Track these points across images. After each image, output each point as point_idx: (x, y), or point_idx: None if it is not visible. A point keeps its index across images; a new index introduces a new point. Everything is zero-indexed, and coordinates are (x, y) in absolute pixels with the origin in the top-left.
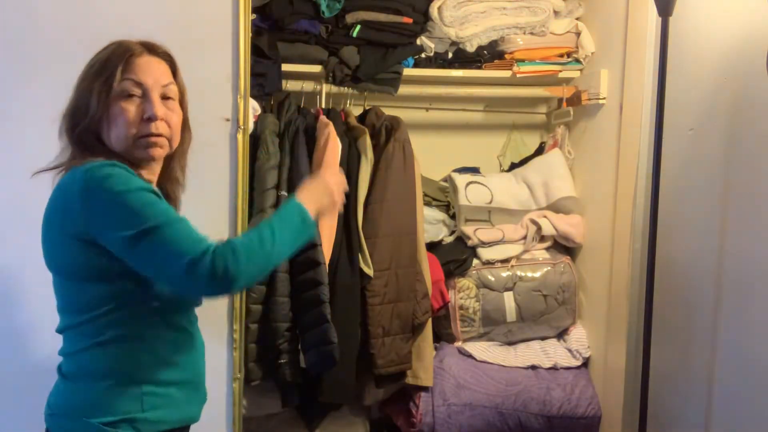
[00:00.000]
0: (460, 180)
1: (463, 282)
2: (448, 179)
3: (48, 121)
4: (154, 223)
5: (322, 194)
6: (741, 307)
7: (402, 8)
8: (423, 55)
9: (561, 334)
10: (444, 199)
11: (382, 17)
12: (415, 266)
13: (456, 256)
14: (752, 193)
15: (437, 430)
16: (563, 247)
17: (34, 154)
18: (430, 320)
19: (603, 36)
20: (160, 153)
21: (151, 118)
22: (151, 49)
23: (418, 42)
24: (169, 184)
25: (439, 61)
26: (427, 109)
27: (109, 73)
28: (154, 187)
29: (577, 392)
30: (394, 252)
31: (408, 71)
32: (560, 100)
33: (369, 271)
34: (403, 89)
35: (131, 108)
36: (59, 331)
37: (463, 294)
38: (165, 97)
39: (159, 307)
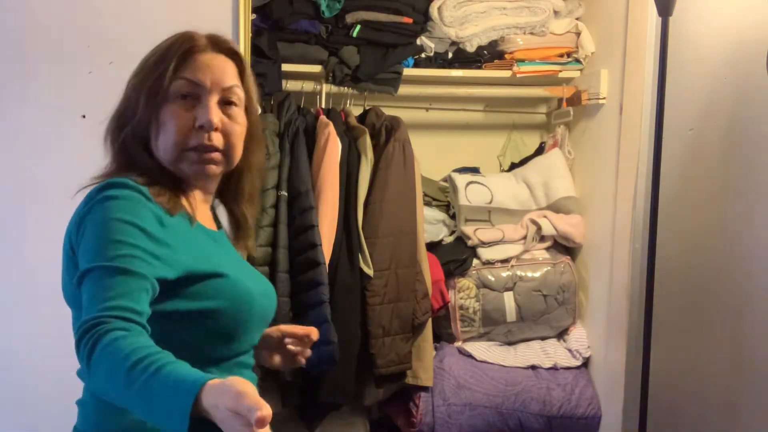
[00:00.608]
0: (460, 180)
1: (463, 282)
2: (448, 179)
3: (47, 123)
4: (97, 263)
5: (226, 402)
6: (741, 306)
7: (402, 8)
8: (423, 55)
9: (561, 334)
10: (444, 199)
11: (382, 17)
12: (415, 266)
13: (456, 256)
14: (752, 193)
15: (437, 430)
16: (563, 247)
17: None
18: (430, 320)
19: (603, 36)
20: (212, 170)
21: (204, 127)
22: (218, 44)
23: (418, 42)
24: (236, 206)
25: (439, 61)
26: (427, 109)
27: (162, 68)
28: (191, 213)
29: (577, 392)
30: (394, 252)
31: (408, 71)
32: (560, 100)
33: (369, 271)
34: (403, 89)
35: (182, 113)
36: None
37: (463, 294)
38: (226, 102)
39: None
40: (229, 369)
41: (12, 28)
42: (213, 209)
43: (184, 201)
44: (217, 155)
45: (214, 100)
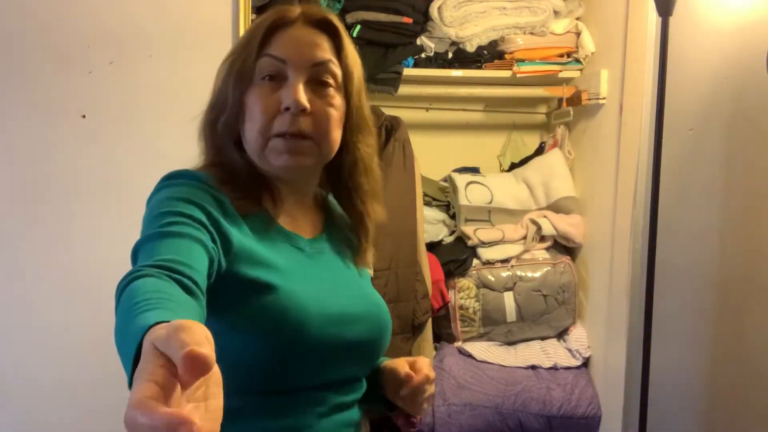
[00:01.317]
0: (460, 180)
1: (463, 282)
2: (448, 179)
3: (47, 123)
4: (144, 234)
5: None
6: (740, 306)
7: (402, 8)
8: (423, 55)
9: (561, 334)
10: (444, 199)
11: (382, 17)
12: (415, 266)
13: (456, 256)
14: (752, 192)
15: (437, 430)
16: (563, 247)
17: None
18: (430, 320)
19: (603, 36)
20: (301, 161)
21: (290, 109)
22: (310, 16)
23: (418, 42)
24: (352, 204)
25: (439, 61)
26: (427, 109)
27: (250, 48)
28: (271, 211)
29: (577, 392)
30: (394, 252)
31: (408, 71)
32: (560, 100)
33: (369, 271)
34: (403, 89)
35: (268, 95)
36: None
37: (463, 294)
38: (319, 82)
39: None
40: (298, 404)
41: (12, 28)
42: (326, 207)
43: (266, 202)
44: (306, 143)
45: (301, 79)
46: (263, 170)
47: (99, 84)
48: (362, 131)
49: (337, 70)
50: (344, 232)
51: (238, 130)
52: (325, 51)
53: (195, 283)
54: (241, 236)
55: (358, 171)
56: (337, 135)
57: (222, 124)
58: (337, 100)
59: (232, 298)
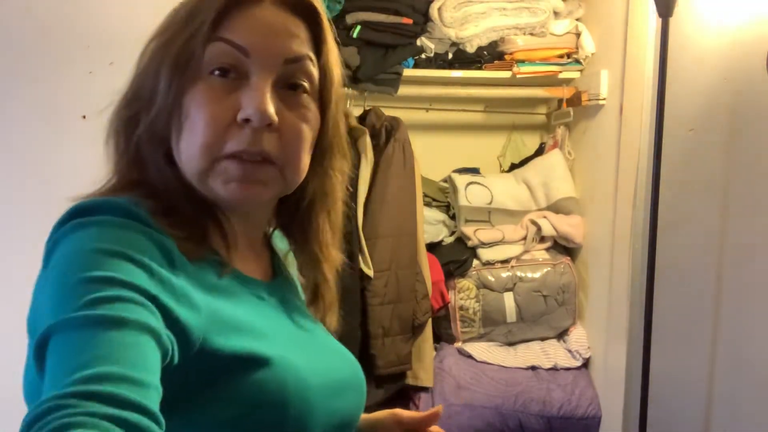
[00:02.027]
0: (460, 180)
1: (463, 282)
2: (448, 180)
3: (47, 123)
4: (63, 317)
5: None
6: (741, 307)
7: (402, 9)
8: (423, 56)
9: (561, 335)
10: (444, 199)
11: (382, 18)
12: (415, 267)
13: (456, 257)
14: (752, 193)
15: None
16: (563, 247)
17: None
18: (430, 321)
19: (603, 37)
20: (258, 194)
21: (252, 121)
22: None
23: (418, 43)
24: (306, 247)
25: (439, 61)
26: (427, 110)
27: (196, 26)
28: (223, 256)
29: (577, 393)
30: (394, 252)
31: (408, 72)
32: (560, 101)
33: (369, 271)
34: (403, 90)
35: (218, 96)
36: None
37: (463, 294)
38: (290, 85)
39: None
40: None
41: (12, 28)
42: (270, 246)
43: (214, 238)
44: (268, 170)
45: (268, 80)
46: (204, 194)
47: (99, 84)
48: (335, 154)
49: (315, 71)
50: (292, 274)
51: (167, 138)
52: (301, 43)
53: (154, 419)
54: (207, 297)
55: (322, 206)
56: (307, 160)
57: (145, 127)
58: (312, 111)
59: (201, 387)
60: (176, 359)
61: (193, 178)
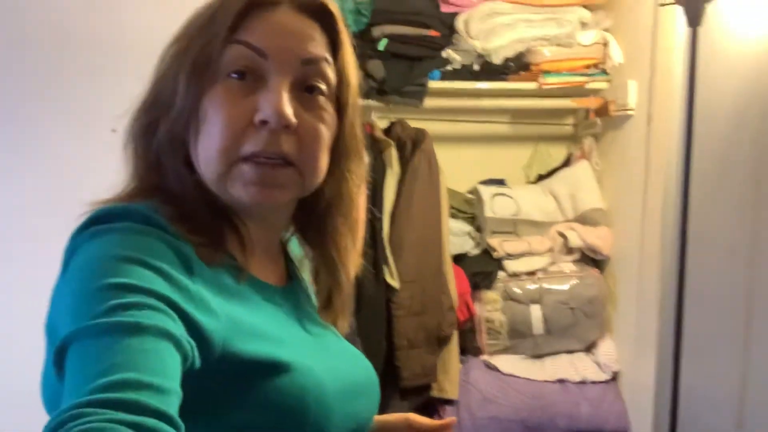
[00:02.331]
0: (486, 192)
1: (489, 294)
2: (474, 191)
3: (77, 136)
4: (82, 324)
5: None
6: None
7: (428, 21)
8: (449, 68)
9: (589, 348)
10: (470, 211)
11: (408, 31)
12: (441, 278)
13: (482, 269)
14: None
15: None
16: (591, 259)
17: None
18: (455, 333)
19: (631, 47)
20: (276, 197)
21: (269, 123)
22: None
23: (444, 55)
24: (323, 250)
25: (465, 73)
26: (452, 121)
27: (214, 31)
28: (240, 261)
29: (605, 407)
30: (420, 264)
31: (434, 84)
32: (587, 112)
33: (394, 282)
34: (429, 101)
35: (236, 99)
36: None
37: (489, 306)
38: (307, 87)
39: None
40: None
41: (44, 41)
42: (285, 251)
43: (231, 243)
44: (286, 171)
45: (286, 82)
46: (222, 199)
47: (130, 98)
48: (352, 157)
49: (331, 73)
50: (305, 279)
51: (186, 143)
52: (318, 46)
53: (173, 424)
54: (225, 303)
55: (339, 209)
56: (325, 161)
57: (164, 132)
58: (329, 113)
59: (220, 393)
60: (197, 364)
61: (211, 182)
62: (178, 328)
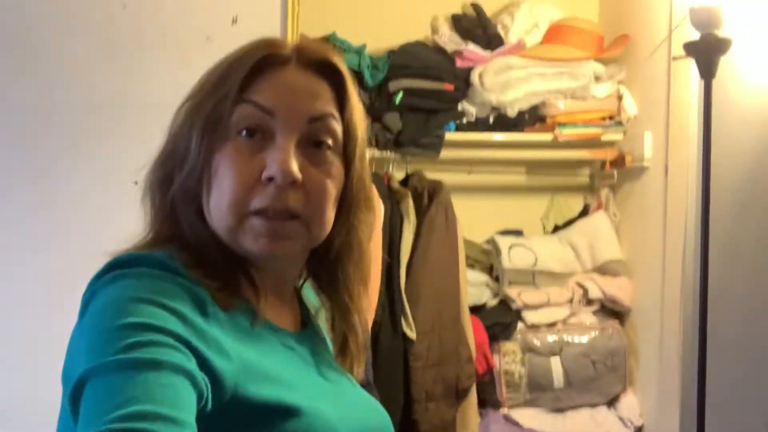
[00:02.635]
0: (503, 242)
1: (507, 346)
2: (491, 242)
3: (98, 188)
4: (100, 361)
5: None
6: None
7: (443, 75)
8: (464, 120)
9: (611, 402)
10: (487, 261)
11: (424, 84)
12: (459, 329)
13: (500, 320)
14: None
15: None
16: (611, 311)
17: None
18: (474, 385)
19: (645, 99)
20: (284, 248)
21: (276, 179)
22: (308, 56)
23: (460, 107)
24: (337, 297)
25: (480, 125)
26: (469, 172)
27: (226, 90)
28: (255, 306)
29: None
30: (437, 314)
31: (450, 135)
32: (603, 163)
33: (411, 333)
34: (445, 153)
35: (245, 156)
36: None
37: (508, 358)
38: (315, 143)
39: None
40: None
41: (67, 98)
42: (300, 297)
43: (245, 289)
44: (293, 224)
45: (292, 139)
46: (235, 250)
47: (153, 151)
48: (360, 207)
49: (338, 127)
50: (319, 325)
51: (199, 195)
52: (324, 102)
53: None
54: (238, 345)
55: (350, 257)
56: (332, 214)
57: (179, 186)
58: (336, 167)
59: (231, 426)
60: (209, 405)
61: (223, 234)
62: (194, 366)
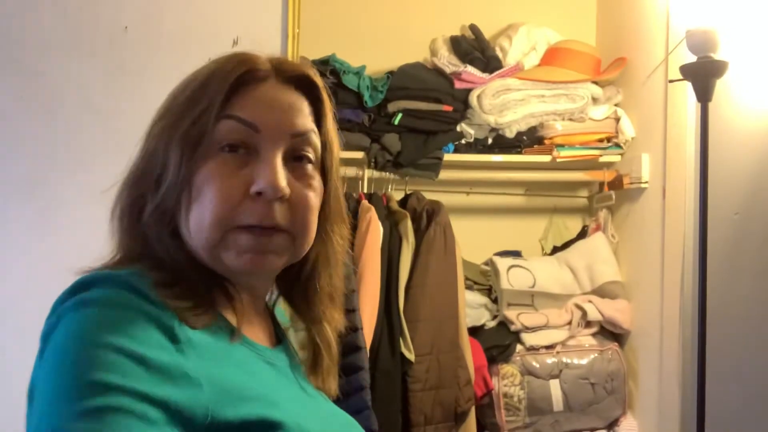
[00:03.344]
0: (502, 264)
1: (506, 368)
2: (490, 263)
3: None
4: (57, 423)
5: None
6: None
7: (442, 97)
8: (463, 141)
9: (611, 425)
10: (486, 282)
11: (423, 106)
12: (457, 351)
13: (499, 342)
14: None
15: None
16: (610, 333)
17: None
18: (473, 408)
19: (643, 121)
20: (271, 264)
21: (265, 194)
22: (286, 71)
23: (458, 129)
24: (305, 320)
25: (479, 146)
26: (467, 193)
27: (204, 105)
28: (234, 324)
29: None
30: (436, 336)
31: (448, 156)
32: (602, 184)
33: (410, 355)
34: (444, 174)
35: (230, 171)
36: None
37: (507, 381)
38: (296, 157)
39: None
40: None
41: (69, 119)
42: (272, 314)
43: (224, 308)
44: (279, 239)
45: (278, 154)
46: (210, 266)
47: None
48: (336, 219)
49: (318, 142)
50: (291, 342)
51: (175, 215)
52: (306, 117)
53: None
54: (213, 366)
55: (325, 269)
56: (315, 226)
57: (153, 205)
58: (317, 180)
59: None
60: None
61: (203, 251)
62: (161, 413)
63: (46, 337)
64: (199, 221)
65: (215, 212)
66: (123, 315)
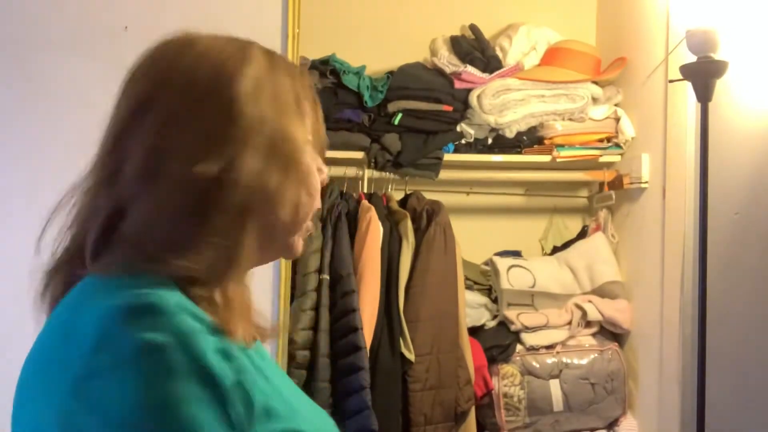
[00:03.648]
0: (502, 264)
1: (506, 368)
2: (490, 263)
3: None
4: None
5: None
6: None
7: (442, 97)
8: (463, 141)
9: (611, 425)
10: (486, 282)
11: (423, 106)
12: (457, 351)
13: (499, 342)
14: None
15: None
16: (610, 333)
17: None
18: (473, 408)
19: (643, 121)
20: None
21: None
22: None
23: (458, 129)
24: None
25: (479, 146)
26: (467, 193)
27: (303, 111)
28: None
29: None
30: (436, 336)
31: (448, 156)
32: (602, 184)
33: (410, 355)
34: (444, 174)
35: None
36: None
37: (507, 381)
38: None
39: None
40: None
41: (69, 119)
42: None
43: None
44: None
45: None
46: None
47: None
48: None
49: None
50: None
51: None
52: None
53: None
54: (255, 389)
55: None
56: None
57: (273, 221)
58: None
59: None
60: None
61: (282, 246)
62: None
63: (91, 376)
64: (291, 216)
65: (311, 207)
66: (198, 368)
